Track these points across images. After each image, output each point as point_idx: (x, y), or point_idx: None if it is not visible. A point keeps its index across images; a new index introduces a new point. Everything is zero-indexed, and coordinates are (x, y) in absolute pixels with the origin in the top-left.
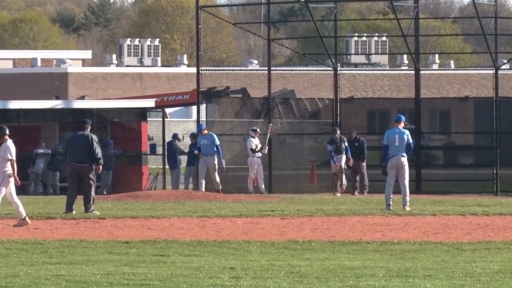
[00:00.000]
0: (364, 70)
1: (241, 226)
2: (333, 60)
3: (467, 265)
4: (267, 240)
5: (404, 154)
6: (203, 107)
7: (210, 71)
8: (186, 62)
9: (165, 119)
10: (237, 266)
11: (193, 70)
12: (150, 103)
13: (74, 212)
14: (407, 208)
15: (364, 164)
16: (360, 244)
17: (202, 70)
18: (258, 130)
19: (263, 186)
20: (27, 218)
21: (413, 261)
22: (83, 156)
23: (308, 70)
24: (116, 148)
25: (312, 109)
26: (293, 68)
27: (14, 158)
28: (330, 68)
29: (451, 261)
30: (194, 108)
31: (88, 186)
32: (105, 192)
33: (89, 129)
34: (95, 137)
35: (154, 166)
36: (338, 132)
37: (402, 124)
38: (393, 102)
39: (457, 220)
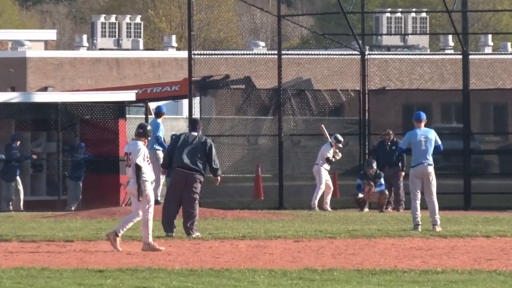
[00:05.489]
0: (399, 54)
1: (245, 250)
2: (360, 42)
3: None
4: (277, 268)
5: (431, 162)
6: (196, 100)
7: (205, 56)
8: (175, 44)
9: (149, 116)
10: None
11: (184, 54)
12: (130, 95)
13: (173, 234)
14: (438, 229)
15: (402, 174)
16: (394, 273)
17: (195, 54)
18: (342, 140)
19: (329, 203)
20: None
21: None
22: (192, 161)
23: (328, 54)
24: (88, 152)
25: (333, 104)
26: (310, 52)
27: None
28: (356, 52)
29: None
30: (185, 102)
31: (192, 202)
32: (73, 208)
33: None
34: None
35: None
36: (375, 166)
37: (424, 123)
38: (435, 95)
39: None
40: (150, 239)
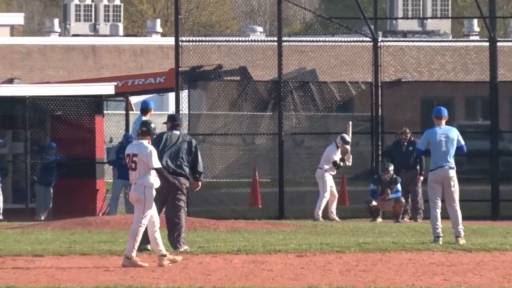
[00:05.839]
0: (417, 41)
1: (240, 266)
2: (372, 27)
3: None
4: (278, 287)
5: (453, 165)
6: (184, 94)
7: (194, 43)
8: (159, 29)
9: (130, 112)
10: None
11: (170, 41)
12: (108, 88)
13: (150, 247)
14: (462, 241)
15: (420, 179)
16: None
17: (182, 41)
18: (349, 141)
19: (335, 212)
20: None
21: None
22: (177, 164)
23: (335, 41)
24: (60, 154)
25: (341, 98)
26: (314, 39)
27: None
28: (368, 39)
29: None
30: (172, 96)
31: (177, 211)
32: (42, 218)
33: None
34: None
35: (111, 180)
36: (392, 170)
37: (445, 120)
38: (458, 88)
39: None
40: (134, 254)
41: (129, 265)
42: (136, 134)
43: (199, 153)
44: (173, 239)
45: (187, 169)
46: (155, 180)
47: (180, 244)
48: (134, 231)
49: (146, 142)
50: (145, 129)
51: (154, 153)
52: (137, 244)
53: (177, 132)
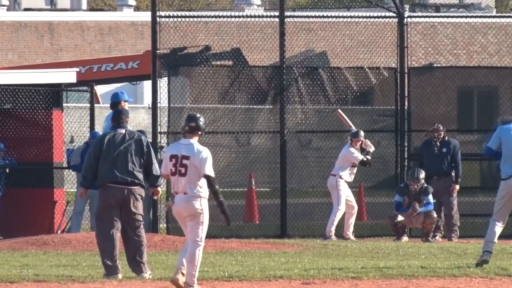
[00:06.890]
0: (453, 17)
1: None
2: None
3: None
4: None
5: None
6: (163, 83)
7: (175, 19)
8: (132, 2)
9: (96, 105)
10: None
11: (146, 16)
12: (68, 76)
13: (120, 275)
14: None
15: (456, 188)
16: None
17: (161, 16)
18: (362, 135)
19: (352, 229)
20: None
21: None
22: (128, 171)
23: (351, 17)
24: (8, 157)
25: (358, 87)
26: (325, 14)
27: None
28: (392, 14)
29: None
30: (147, 85)
31: (136, 227)
32: None
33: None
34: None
35: (74, 190)
36: (423, 179)
37: None
38: (504, 75)
39: None
40: (195, 280)
41: None
42: (182, 131)
43: (153, 153)
44: (134, 262)
45: (140, 176)
46: (206, 189)
47: (144, 268)
48: (192, 253)
49: (198, 143)
50: (194, 125)
51: (210, 158)
52: (197, 269)
53: (122, 131)
